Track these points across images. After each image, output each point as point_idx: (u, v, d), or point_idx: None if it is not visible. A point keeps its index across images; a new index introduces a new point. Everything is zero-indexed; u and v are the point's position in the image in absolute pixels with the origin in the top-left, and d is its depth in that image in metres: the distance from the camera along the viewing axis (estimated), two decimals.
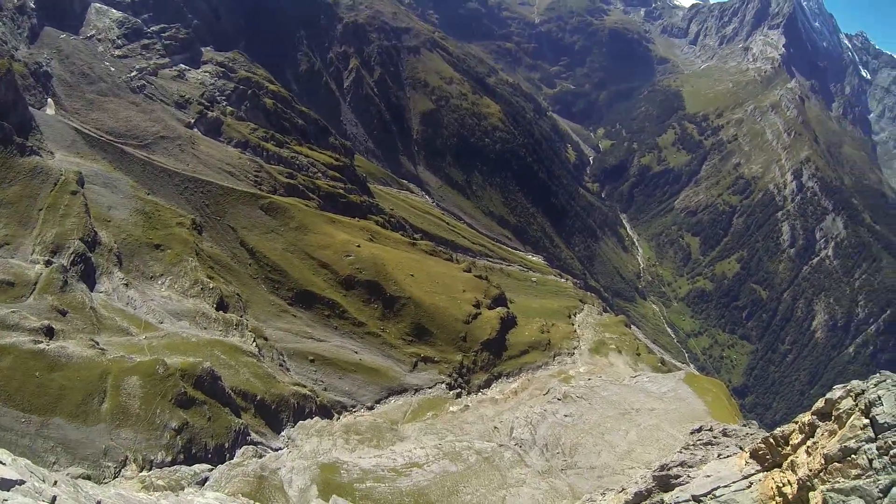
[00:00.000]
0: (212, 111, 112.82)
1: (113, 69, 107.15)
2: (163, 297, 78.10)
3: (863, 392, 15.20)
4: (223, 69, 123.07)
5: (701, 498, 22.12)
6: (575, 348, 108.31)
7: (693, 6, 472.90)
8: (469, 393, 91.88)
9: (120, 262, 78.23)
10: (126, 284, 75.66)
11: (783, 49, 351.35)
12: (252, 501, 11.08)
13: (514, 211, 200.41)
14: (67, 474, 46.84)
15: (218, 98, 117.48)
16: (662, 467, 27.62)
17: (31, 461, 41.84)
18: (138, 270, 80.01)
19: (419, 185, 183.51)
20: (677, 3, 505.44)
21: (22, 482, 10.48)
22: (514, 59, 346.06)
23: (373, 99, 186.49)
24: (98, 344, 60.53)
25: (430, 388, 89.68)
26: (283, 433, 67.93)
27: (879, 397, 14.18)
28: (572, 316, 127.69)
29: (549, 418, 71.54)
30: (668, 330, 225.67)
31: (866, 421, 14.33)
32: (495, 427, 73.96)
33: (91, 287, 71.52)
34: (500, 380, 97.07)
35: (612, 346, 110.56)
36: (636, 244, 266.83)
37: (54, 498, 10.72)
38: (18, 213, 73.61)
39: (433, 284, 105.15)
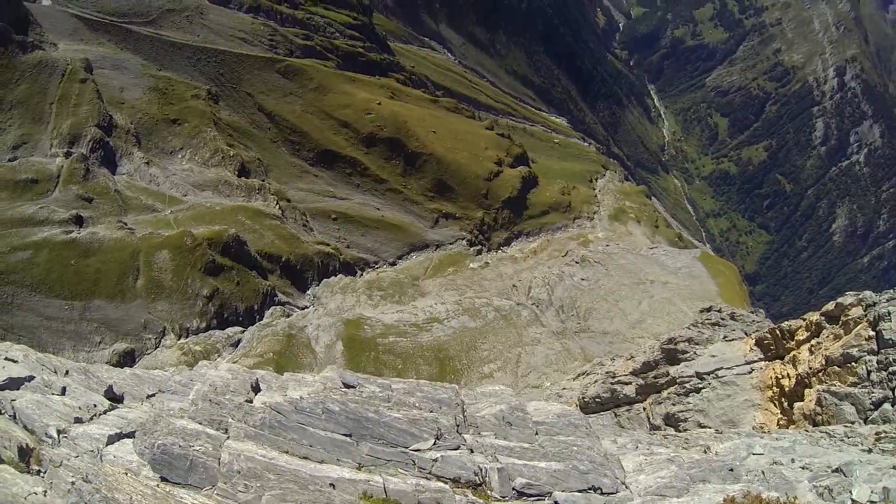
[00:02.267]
0: None
1: None
2: (184, 170, 79.00)
3: (874, 304, 15.68)
4: None
5: (704, 375, 23.64)
6: (595, 213, 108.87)
7: None
8: (489, 250, 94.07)
9: (139, 142, 78.34)
10: (147, 163, 76.42)
11: None
12: (264, 371, 11.92)
13: (538, 71, 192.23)
14: (113, 350, 50.76)
15: None
16: (670, 340, 29.07)
17: (79, 344, 45.07)
18: (158, 147, 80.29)
19: (441, 43, 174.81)
20: None
21: (31, 378, 10.86)
22: None
23: None
24: (126, 224, 62.72)
25: (451, 244, 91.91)
26: (308, 292, 71.24)
27: (889, 313, 14.66)
28: (594, 181, 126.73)
29: (566, 280, 73.77)
30: (688, 206, 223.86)
31: (872, 333, 14.92)
32: (514, 285, 76.57)
33: (113, 170, 72.46)
34: (519, 239, 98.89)
35: (631, 215, 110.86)
36: (662, 116, 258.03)
37: (64, 389, 11.03)
38: (31, 111, 72.67)
39: (455, 141, 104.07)
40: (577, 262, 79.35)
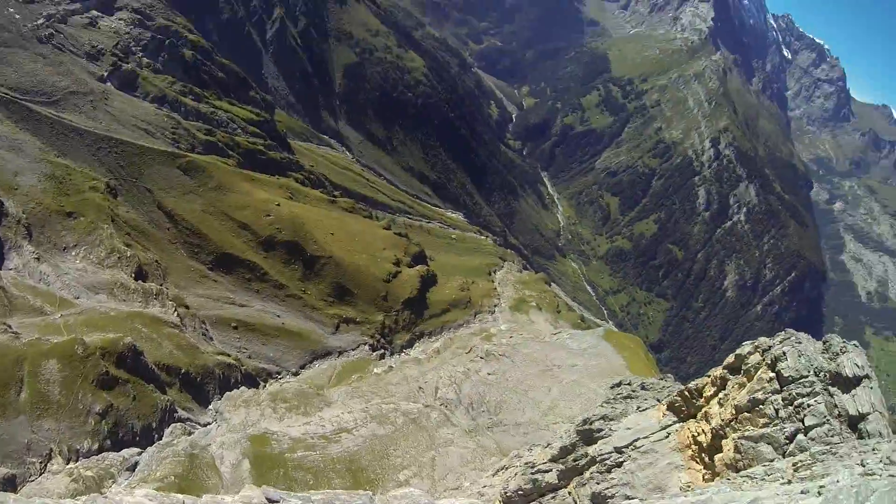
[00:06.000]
0: (126, 63, 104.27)
1: (18, 16, 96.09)
2: (78, 269, 73.42)
3: (769, 348, 16.50)
4: (139, 16, 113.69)
5: (623, 449, 23.60)
6: (496, 306, 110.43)
7: None
8: (392, 353, 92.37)
9: (30, 234, 72.51)
10: (37, 258, 70.50)
11: (711, 22, 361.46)
12: (185, 496, 10.64)
13: (434, 167, 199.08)
14: None
15: (133, 49, 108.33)
16: (585, 421, 29.04)
17: None
18: (50, 242, 74.40)
19: (340, 141, 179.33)
20: None
21: None
22: (442, 13, 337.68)
23: (296, 51, 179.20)
24: (11, 327, 56.43)
25: (353, 349, 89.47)
26: (210, 406, 66.36)
27: (784, 353, 15.47)
28: (492, 273, 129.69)
29: (473, 377, 73.27)
30: (588, 287, 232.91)
31: (772, 374, 15.61)
32: (420, 388, 74.95)
33: None
34: (422, 339, 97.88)
35: (532, 304, 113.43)
36: (556, 202, 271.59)
37: None
38: None
39: (353, 243, 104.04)
40: (481, 358, 79.29)
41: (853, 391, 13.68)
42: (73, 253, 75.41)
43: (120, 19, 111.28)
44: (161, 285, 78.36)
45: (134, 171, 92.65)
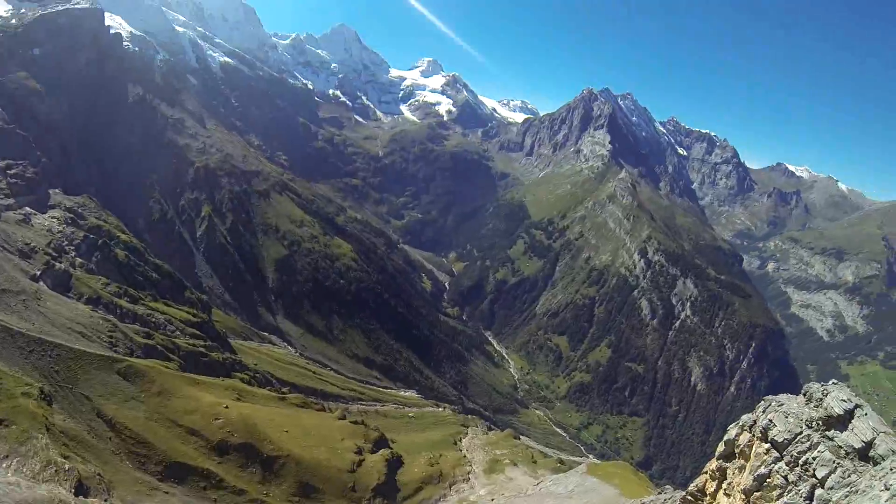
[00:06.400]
0: (60, 262, 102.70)
1: None
2: (10, 483, 65.84)
3: (755, 422, 16.28)
4: (72, 215, 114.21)
5: None
6: (469, 473, 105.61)
7: (525, 120, 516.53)
8: None
9: None
10: None
11: (610, 145, 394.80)
12: None
13: (378, 349, 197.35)
14: None
15: (66, 248, 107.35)
16: None
17: None
18: None
19: (280, 336, 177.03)
20: (511, 120, 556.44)
21: None
22: (361, 194, 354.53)
23: (226, 248, 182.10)
24: None
25: None
26: None
27: (771, 420, 15.28)
28: (458, 442, 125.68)
29: None
30: (558, 430, 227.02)
31: (767, 445, 15.27)
32: None
33: None
34: None
35: (506, 462, 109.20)
36: (506, 357, 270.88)
37: None
38: None
39: (310, 437, 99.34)
40: None
41: (850, 425, 13.49)
42: (4, 465, 68.28)
43: (53, 217, 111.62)
44: (105, 501, 71.14)
45: (70, 376, 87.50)
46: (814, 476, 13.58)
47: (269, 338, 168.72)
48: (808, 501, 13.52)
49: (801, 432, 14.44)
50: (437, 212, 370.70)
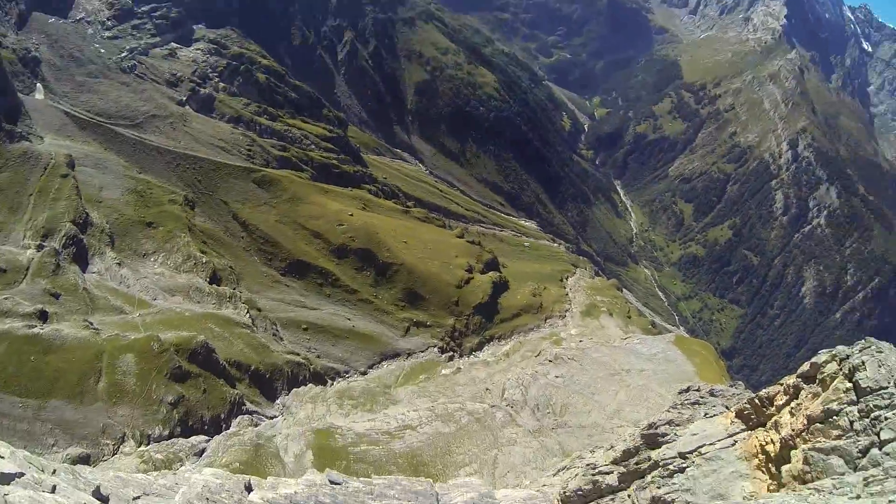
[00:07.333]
0: (204, 88, 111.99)
1: (103, 51, 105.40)
2: (156, 273, 78.42)
3: (847, 357, 15.43)
4: (215, 46, 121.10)
5: (687, 455, 22.62)
6: (566, 311, 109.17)
7: None
8: (461, 356, 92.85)
9: (112, 242, 78.27)
10: (119, 263, 75.78)
11: (784, 20, 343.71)
12: (249, 476, 11.45)
13: (507, 178, 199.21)
14: (67, 455, 47.65)
15: (210, 75, 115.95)
16: (650, 426, 28.03)
17: (30, 444, 42.33)
18: (131, 249, 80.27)
19: (413, 154, 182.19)
20: None
21: (21, 474, 10.58)
22: (510, 29, 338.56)
23: (367, 71, 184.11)
24: (92, 324, 60.80)
25: (422, 351, 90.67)
26: (277, 401, 68.78)
27: (863, 362, 14.42)
28: (564, 279, 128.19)
29: (541, 379, 72.47)
30: (660, 293, 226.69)
31: (849, 385, 14.60)
32: (487, 388, 74.92)
33: (84, 268, 71.64)
34: (491, 343, 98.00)
35: (603, 309, 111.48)
36: (629, 210, 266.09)
37: (54, 487, 10.77)
38: (9, 199, 73.71)
39: (426, 250, 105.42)
40: (550, 361, 78.37)
41: None
42: (152, 259, 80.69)
43: (197, 49, 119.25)
44: (234, 289, 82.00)
45: (210, 185, 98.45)
46: (877, 435, 12.95)
47: (401, 154, 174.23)
48: (860, 455, 13.07)
49: (886, 388, 13.58)
50: (588, 55, 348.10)
